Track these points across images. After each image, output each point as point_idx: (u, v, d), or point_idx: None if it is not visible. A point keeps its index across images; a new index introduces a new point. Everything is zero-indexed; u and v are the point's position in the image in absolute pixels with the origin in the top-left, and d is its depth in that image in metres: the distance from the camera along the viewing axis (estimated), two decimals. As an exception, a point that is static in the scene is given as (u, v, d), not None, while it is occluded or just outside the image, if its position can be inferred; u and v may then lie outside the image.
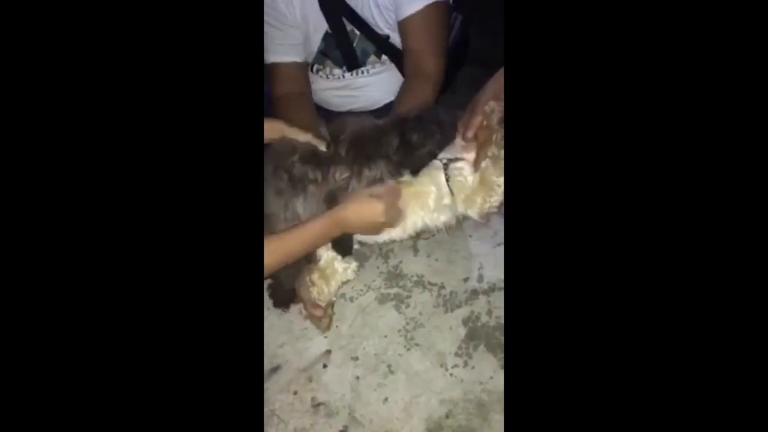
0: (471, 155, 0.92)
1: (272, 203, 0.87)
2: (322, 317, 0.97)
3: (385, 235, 0.94)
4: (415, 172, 0.90)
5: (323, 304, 0.95)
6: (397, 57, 1.13)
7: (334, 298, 0.99)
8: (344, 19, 1.09)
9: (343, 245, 0.93)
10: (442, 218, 0.95)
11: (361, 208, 0.81)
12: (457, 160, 0.93)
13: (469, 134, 0.89)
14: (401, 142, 0.87)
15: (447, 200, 0.94)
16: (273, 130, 0.87)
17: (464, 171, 0.94)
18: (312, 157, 0.85)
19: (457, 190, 0.94)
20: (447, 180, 0.93)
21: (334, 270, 0.94)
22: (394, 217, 0.86)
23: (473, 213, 0.95)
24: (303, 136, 0.86)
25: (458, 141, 0.93)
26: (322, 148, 0.86)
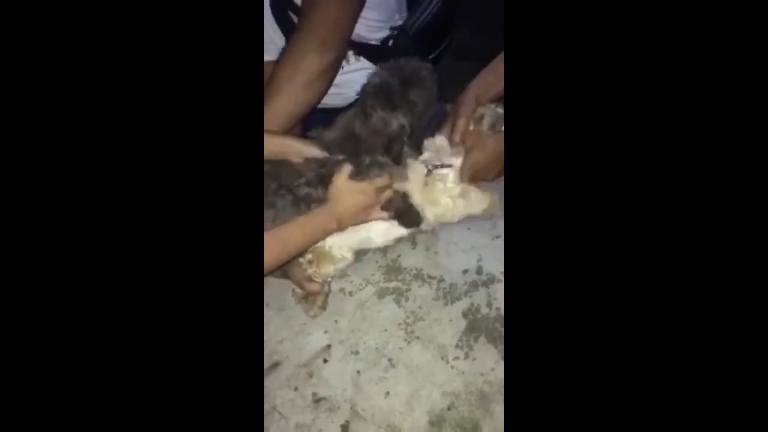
0: (459, 160, 0.90)
1: (267, 219, 0.85)
2: (318, 293, 0.96)
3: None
4: (396, 159, 0.87)
5: (319, 280, 0.94)
6: (358, 47, 1.11)
7: (330, 279, 0.98)
8: (292, 15, 1.06)
9: (409, 217, 0.92)
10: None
11: (347, 192, 0.82)
12: (443, 166, 0.91)
13: (456, 138, 0.87)
14: (366, 127, 0.84)
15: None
16: (278, 144, 0.83)
17: (449, 178, 0.92)
18: (317, 178, 0.83)
19: (433, 201, 0.93)
20: (425, 186, 0.92)
21: (327, 255, 0.94)
22: (382, 198, 0.87)
23: (446, 221, 0.96)
24: (308, 150, 0.83)
25: (447, 144, 0.92)
26: (325, 153, 0.83)
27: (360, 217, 0.89)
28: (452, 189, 0.92)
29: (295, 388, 0.89)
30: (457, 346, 0.95)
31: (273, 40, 1.11)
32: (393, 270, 1.07)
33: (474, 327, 0.98)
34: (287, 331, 0.98)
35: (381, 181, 0.85)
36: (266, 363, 0.93)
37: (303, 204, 0.82)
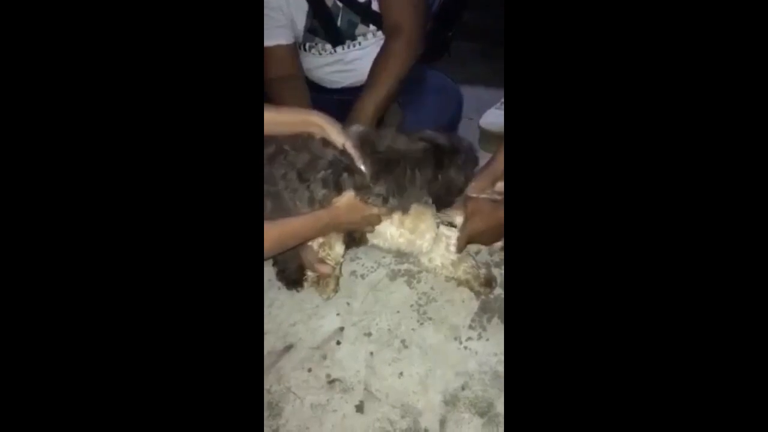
0: (460, 220, 0.91)
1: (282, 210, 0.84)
2: (330, 276, 0.96)
3: None
4: (442, 207, 0.90)
5: (331, 263, 0.95)
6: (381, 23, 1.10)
7: (342, 259, 0.98)
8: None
9: (352, 244, 0.96)
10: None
11: (350, 206, 0.84)
12: (451, 226, 0.92)
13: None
14: (434, 174, 0.84)
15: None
16: (309, 123, 0.83)
17: (451, 241, 0.93)
18: (333, 178, 0.82)
19: (432, 255, 0.97)
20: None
21: (332, 244, 0.95)
22: (375, 219, 0.89)
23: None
24: (332, 131, 0.81)
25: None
26: (359, 164, 0.82)
27: (352, 225, 0.91)
28: (451, 254, 0.95)
29: (309, 370, 0.90)
30: (470, 326, 0.94)
31: (293, 18, 1.11)
32: (404, 252, 1.06)
33: (487, 308, 0.97)
34: (300, 314, 0.99)
35: (376, 211, 0.86)
36: (280, 345, 0.94)
37: (318, 204, 0.83)
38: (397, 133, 0.87)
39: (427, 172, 0.84)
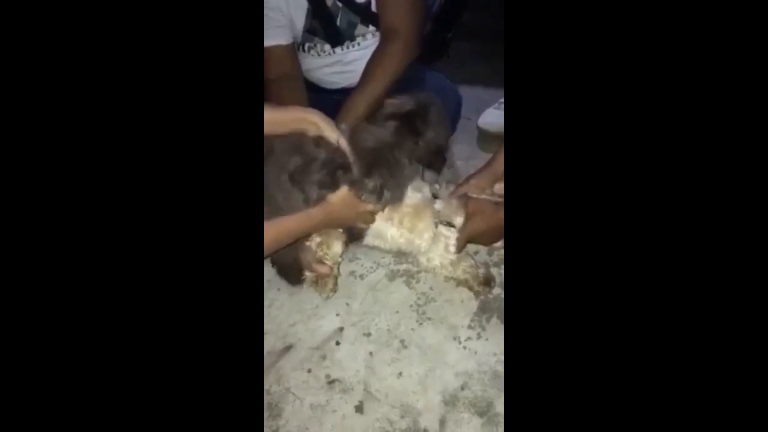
0: (460, 220, 0.92)
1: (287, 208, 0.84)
2: (328, 275, 0.97)
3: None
4: (437, 168, 0.89)
5: (329, 263, 0.95)
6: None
7: (341, 259, 0.98)
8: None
9: (351, 238, 0.97)
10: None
11: (345, 202, 0.84)
12: (450, 226, 0.93)
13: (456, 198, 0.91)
14: (415, 142, 0.84)
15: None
16: (305, 121, 0.83)
17: (450, 241, 0.93)
18: (329, 178, 0.82)
19: (431, 255, 0.98)
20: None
21: (334, 234, 0.95)
22: (369, 217, 0.90)
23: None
24: (326, 128, 0.82)
25: (457, 203, 0.92)
26: (351, 159, 0.82)
27: (346, 220, 0.91)
28: (450, 254, 0.96)
29: (309, 370, 0.90)
30: (469, 326, 0.95)
31: (292, 18, 1.11)
32: (403, 252, 1.06)
33: (486, 307, 0.97)
34: (300, 315, 0.99)
35: (371, 207, 0.86)
36: (279, 346, 0.94)
37: (312, 203, 0.83)
38: (366, 125, 0.86)
39: (407, 146, 0.84)
